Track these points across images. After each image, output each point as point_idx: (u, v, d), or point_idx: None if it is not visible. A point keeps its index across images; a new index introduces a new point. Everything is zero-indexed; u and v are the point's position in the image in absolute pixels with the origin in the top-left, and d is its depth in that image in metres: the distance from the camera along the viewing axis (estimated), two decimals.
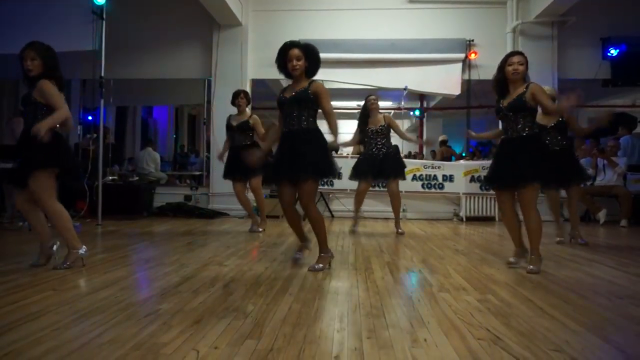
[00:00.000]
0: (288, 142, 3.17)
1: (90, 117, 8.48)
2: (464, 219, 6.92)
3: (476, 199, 7.00)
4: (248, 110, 5.33)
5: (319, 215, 3.27)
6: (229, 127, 5.19)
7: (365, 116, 5.16)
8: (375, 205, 7.09)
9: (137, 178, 7.69)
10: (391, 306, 2.30)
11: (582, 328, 1.99)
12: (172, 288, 2.57)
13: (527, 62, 3.21)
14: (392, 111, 12.19)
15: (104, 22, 5.68)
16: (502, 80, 3.23)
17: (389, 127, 5.14)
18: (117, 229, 5.32)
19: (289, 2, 7.56)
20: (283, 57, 3.15)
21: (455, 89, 7.29)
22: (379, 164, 5.07)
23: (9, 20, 5.91)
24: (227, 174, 5.23)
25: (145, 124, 12.38)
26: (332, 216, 7.24)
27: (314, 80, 3.20)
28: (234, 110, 5.30)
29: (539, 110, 4.50)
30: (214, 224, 6.02)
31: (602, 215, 6.64)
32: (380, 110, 5.32)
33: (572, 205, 4.64)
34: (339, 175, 7.19)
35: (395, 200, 5.26)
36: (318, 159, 3.11)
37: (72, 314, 2.05)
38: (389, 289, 2.67)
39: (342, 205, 7.32)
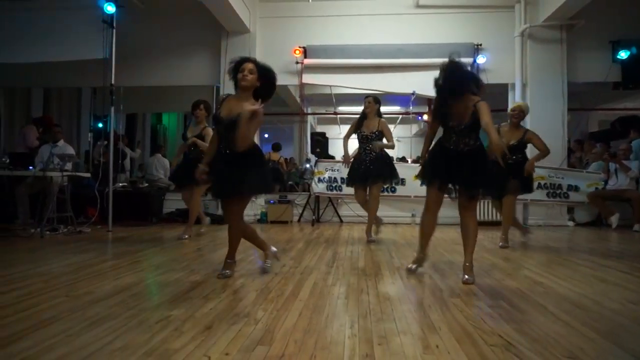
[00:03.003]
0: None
1: (100, 125, 8.58)
2: None
3: (485, 203, 6.94)
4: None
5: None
6: (184, 137, 5.17)
7: (362, 119, 5.04)
8: (384, 210, 7.07)
9: (146, 184, 7.74)
10: (402, 312, 2.28)
11: (596, 334, 1.97)
12: (182, 294, 2.58)
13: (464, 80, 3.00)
14: (400, 116, 12.18)
15: (114, 30, 5.75)
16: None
17: (381, 133, 4.96)
18: (128, 235, 5.35)
19: (295, 9, 7.62)
20: (236, 67, 3.01)
21: None
22: (365, 167, 4.93)
23: (21, 31, 6.01)
24: (175, 180, 5.39)
25: (154, 130, 12.48)
26: (341, 221, 7.24)
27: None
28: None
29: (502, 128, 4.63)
30: (223, 229, 6.01)
31: (614, 220, 6.56)
32: (385, 115, 5.22)
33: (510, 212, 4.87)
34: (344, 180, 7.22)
35: (374, 204, 5.00)
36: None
37: (84, 321, 2.07)
38: (399, 294, 2.66)
39: (351, 210, 7.31)
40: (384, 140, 4.95)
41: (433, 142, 3.29)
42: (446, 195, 3.19)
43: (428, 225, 3.29)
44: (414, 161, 8.87)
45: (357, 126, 5.06)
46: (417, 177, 3.45)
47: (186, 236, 5.09)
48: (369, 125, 4.98)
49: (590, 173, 7.20)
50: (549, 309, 2.36)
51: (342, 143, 5.23)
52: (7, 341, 1.81)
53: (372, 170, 4.93)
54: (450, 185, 3.13)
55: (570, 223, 7.11)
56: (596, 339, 1.91)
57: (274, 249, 3.42)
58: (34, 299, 2.45)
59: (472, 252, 3.08)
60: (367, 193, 5.06)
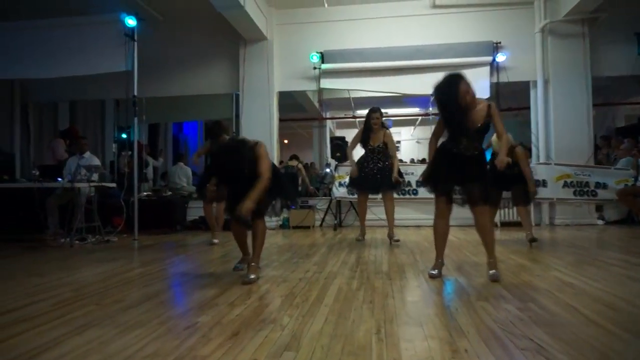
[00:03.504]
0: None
1: (124, 135, 8.77)
2: (499, 225, 6.77)
3: (511, 204, 6.82)
4: None
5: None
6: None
7: (368, 131, 5.15)
8: (407, 212, 7.04)
9: (169, 193, 7.87)
10: (428, 316, 2.26)
11: (631, 335, 1.91)
12: (209, 301, 2.61)
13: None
14: (420, 117, 12.09)
15: (136, 43, 5.88)
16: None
17: (386, 145, 5.14)
18: (153, 243, 5.45)
19: (311, 14, 7.65)
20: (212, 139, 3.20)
21: (483, 92, 7.17)
22: (373, 176, 5.09)
23: (46, 47, 6.19)
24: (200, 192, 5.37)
25: (176, 139, 12.69)
26: None
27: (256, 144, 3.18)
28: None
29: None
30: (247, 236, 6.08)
31: None
32: (386, 117, 5.30)
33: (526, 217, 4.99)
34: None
35: (392, 207, 5.18)
36: None
37: (114, 328, 2.11)
38: (425, 298, 2.64)
39: (372, 214, 7.27)
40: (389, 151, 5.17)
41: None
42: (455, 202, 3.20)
43: (441, 230, 3.30)
44: None
45: (363, 139, 5.21)
46: (421, 184, 3.51)
47: (215, 240, 5.34)
48: (375, 139, 5.16)
49: (619, 169, 7.01)
50: (580, 310, 2.30)
51: (347, 153, 5.58)
52: (43, 348, 1.86)
53: (381, 180, 5.08)
54: (456, 191, 3.17)
55: (600, 221, 6.93)
56: (630, 340, 1.86)
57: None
58: (66, 307, 2.52)
59: (494, 248, 3.08)
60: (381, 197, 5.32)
